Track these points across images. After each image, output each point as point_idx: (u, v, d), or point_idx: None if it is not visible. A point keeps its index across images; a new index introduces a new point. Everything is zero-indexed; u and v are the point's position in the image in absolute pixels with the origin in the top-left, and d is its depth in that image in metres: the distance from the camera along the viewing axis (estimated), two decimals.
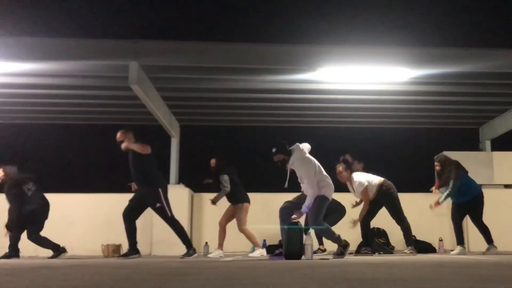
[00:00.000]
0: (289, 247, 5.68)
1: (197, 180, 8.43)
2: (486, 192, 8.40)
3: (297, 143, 5.92)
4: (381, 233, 8.26)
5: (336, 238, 5.93)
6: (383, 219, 8.05)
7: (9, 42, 6.74)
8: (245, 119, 9.70)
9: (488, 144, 9.77)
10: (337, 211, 7.25)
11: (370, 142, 8.56)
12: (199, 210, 9.19)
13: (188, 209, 8.83)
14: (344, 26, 12.29)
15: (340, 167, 7.15)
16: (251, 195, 8.90)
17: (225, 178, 7.40)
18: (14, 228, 7.06)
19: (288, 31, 12.90)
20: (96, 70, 7.16)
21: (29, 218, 7.07)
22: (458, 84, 7.87)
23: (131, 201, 6.74)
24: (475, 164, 8.93)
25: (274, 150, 5.86)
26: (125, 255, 6.63)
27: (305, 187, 5.87)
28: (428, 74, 7.41)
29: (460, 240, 7.27)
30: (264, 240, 8.50)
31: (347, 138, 10.25)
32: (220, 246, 7.39)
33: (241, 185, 7.64)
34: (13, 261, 6.37)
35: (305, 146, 5.97)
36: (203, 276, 2.99)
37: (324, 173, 5.91)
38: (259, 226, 7.49)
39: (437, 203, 7.09)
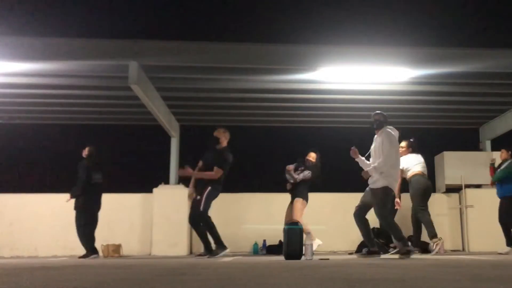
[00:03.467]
0: (289, 247, 5.69)
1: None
2: (486, 192, 8.41)
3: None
4: (381, 233, 8.25)
5: (402, 237, 5.85)
6: None
7: (9, 42, 6.72)
8: (245, 119, 9.68)
9: (488, 144, 9.75)
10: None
11: (370, 142, 8.54)
12: None
13: (188, 209, 8.81)
14: (344, 26, 12.28)
15: (407, 143, 7.73)
16: (251, 195, 8.91)
17: (307, 175, 7.65)
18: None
19: (288, 31, 12.89)
20: (96, 70, 7.14)
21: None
22: (458, 84, 7.85)
23: (191, 208, 7.08)
24: (475, 164, 8.93)
25: (381, 112, 6.23)
26: (213, 253, 6.70)
27: (373, 163, 6.01)
28: (428, 74, 7.39)
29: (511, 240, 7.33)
30: (264, 240, 8.50)
31: (347, 138, 10.21)
32: (309, 233, 7.36)
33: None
34: (13, 261, 6.37)
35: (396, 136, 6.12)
36: (203, 276, 2.99)
37: (397, 168, 6.13)
38: (259, 226, 7.49)
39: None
